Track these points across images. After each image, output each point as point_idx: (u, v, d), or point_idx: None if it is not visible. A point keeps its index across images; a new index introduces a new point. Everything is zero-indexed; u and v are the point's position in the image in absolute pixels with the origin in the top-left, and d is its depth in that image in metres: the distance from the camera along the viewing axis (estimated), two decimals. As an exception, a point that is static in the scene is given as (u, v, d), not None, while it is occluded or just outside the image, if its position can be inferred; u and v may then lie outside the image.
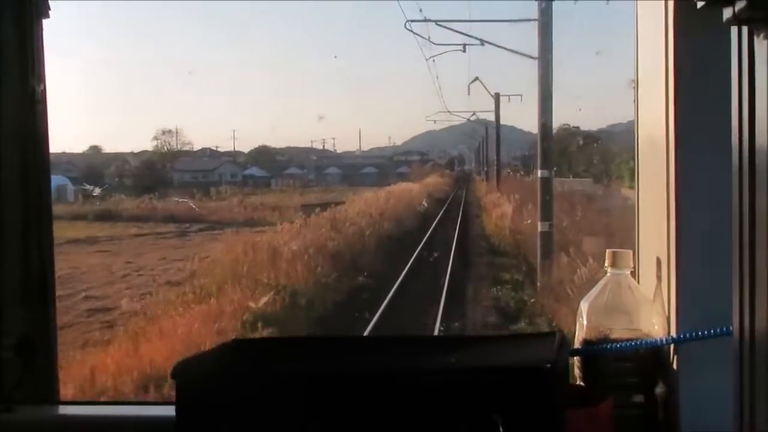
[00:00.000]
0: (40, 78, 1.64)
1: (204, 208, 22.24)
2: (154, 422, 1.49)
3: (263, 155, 28.54)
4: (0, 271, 1.62)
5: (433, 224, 20.65)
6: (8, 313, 1.62)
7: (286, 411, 1.16)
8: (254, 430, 1.16)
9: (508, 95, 24.88)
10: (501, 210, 19.24)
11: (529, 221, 15.64)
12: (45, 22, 1.66)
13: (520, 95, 25.13)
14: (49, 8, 1.65)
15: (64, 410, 1.66)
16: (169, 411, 1.21)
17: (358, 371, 1.21)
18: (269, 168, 27.98)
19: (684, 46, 1.31)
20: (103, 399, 6.91)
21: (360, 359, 1.31)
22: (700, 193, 1.31)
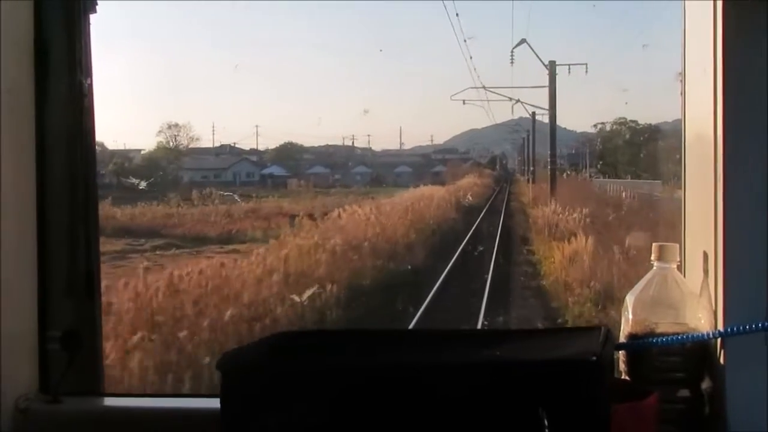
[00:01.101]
0: (88, 72, 1.77)
1: (176, 215, 18.48)
2: (198, 414, 1.60)
3: (288, 152, 27.71)
4: (47, 264, 1.75)
5: (447, 268, 12.25)
6: (55, 306, 1.75)
7: (329, 403, 1.23)
8: (299, 422, 1.23)
9: (568, 65, 18.88)
10: (571, 247, 11.62)
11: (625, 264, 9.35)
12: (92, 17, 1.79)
13: (585, 64, 20.11)
14: (97, 3, 1.79)
15: (110, 402, 1.78)
16: (214, 403, 1.29)
17: (401, 364, 1.28)
18: (292, 166, 27.28)
19: (732, 40, 1.38)
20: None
21: (403, 352, 1.37)
22: (748, 187, 1.38)
